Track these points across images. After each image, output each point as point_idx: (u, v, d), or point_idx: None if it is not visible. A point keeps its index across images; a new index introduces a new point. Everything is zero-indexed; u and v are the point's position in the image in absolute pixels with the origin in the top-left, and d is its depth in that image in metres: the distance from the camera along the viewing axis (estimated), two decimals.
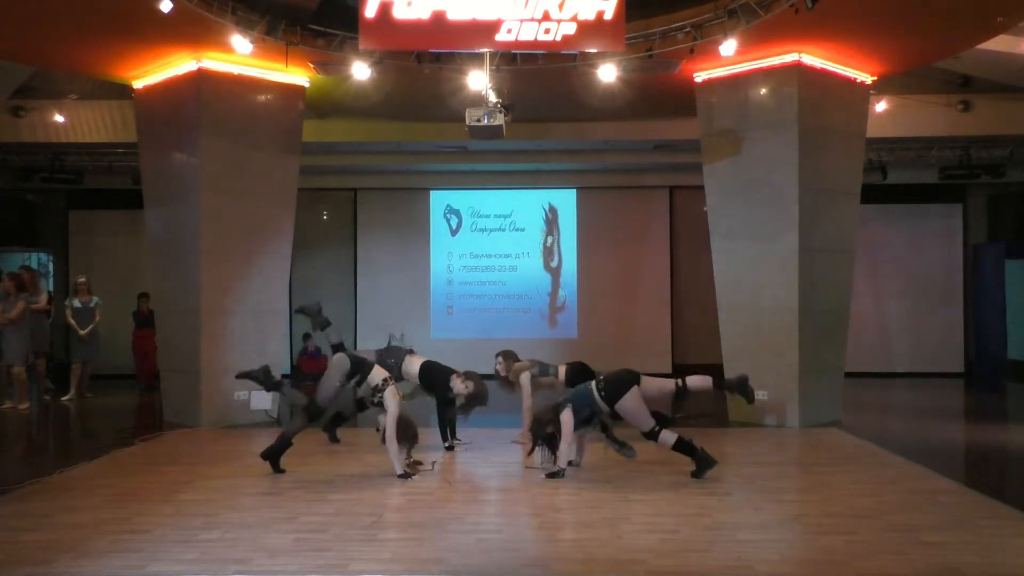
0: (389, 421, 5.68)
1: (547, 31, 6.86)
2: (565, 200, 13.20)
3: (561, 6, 6.83)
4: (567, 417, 5.63)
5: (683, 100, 8.81)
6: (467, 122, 7.12)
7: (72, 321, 10.29)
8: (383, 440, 5.81)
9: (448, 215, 13.27)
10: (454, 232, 13.26)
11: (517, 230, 13.23)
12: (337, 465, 6.23)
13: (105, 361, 11.00)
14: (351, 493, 5.37)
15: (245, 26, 7.15)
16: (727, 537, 4.44)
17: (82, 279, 10.56)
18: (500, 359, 7.24)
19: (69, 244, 13.18)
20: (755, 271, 8.23)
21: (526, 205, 13.18)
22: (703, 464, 5.71)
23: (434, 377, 6.79)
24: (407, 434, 5.76)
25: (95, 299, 10.48)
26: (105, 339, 10.82)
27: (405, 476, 5.70)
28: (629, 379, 5.70)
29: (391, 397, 5.77)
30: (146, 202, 8.80)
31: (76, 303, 10.36)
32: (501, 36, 6.88)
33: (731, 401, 8.48)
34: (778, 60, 7.96)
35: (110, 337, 11.32)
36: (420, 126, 10.81)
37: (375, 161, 12.29)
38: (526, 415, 7.06)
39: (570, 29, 6.86)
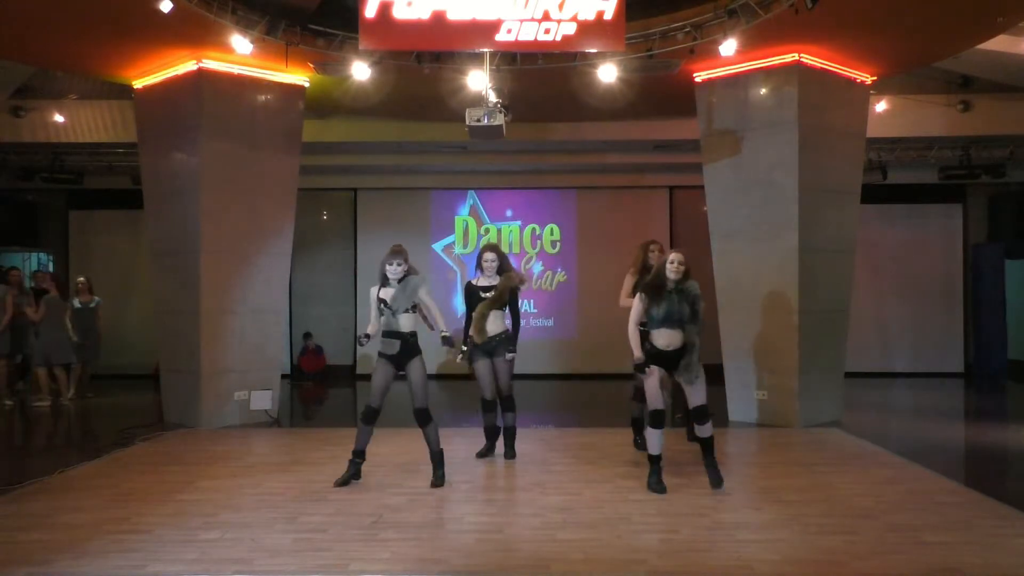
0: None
1: (547, 31, 6.87)
2: (565, 200, 13.19)
3: (561, 6, 6.83)
4: None
5: (683, 100, 8.82)
6: (467, 122, 7.12)
7: (69, 323, 10.28)
8: None
9: (448, 214, 13.25)
10: (454, 231, 13.24)
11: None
12: (337, 465, 6.20)
13: (105, 361, 11.00)
14: (351, 493, 5.38)
15: (245, 26, 7.16)
16: (727, 537, 4.44)
17: (83, 279, 10.56)
18: (656, 247, 6.54)
19: (69, 244, 13.19)
20: (755, 271, 8.23)
21: (526, 205, 13.17)
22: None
23: None
24: None
25: (96, 299, 10.48)
26: (105, 339, 10.81)
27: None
28: None
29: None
30: (146, 202, 8.80)
31: (77, 303, 10.36)
32: (501, 36, 6.88)
33: (731, 401, 8.50)
34: (778, 60, 7.97)
35: (110, 337, 11.31)
36: (420, 126, 10.82)
37: (375, 161, 12.28)
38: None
39: (570, 29, 6.86)
